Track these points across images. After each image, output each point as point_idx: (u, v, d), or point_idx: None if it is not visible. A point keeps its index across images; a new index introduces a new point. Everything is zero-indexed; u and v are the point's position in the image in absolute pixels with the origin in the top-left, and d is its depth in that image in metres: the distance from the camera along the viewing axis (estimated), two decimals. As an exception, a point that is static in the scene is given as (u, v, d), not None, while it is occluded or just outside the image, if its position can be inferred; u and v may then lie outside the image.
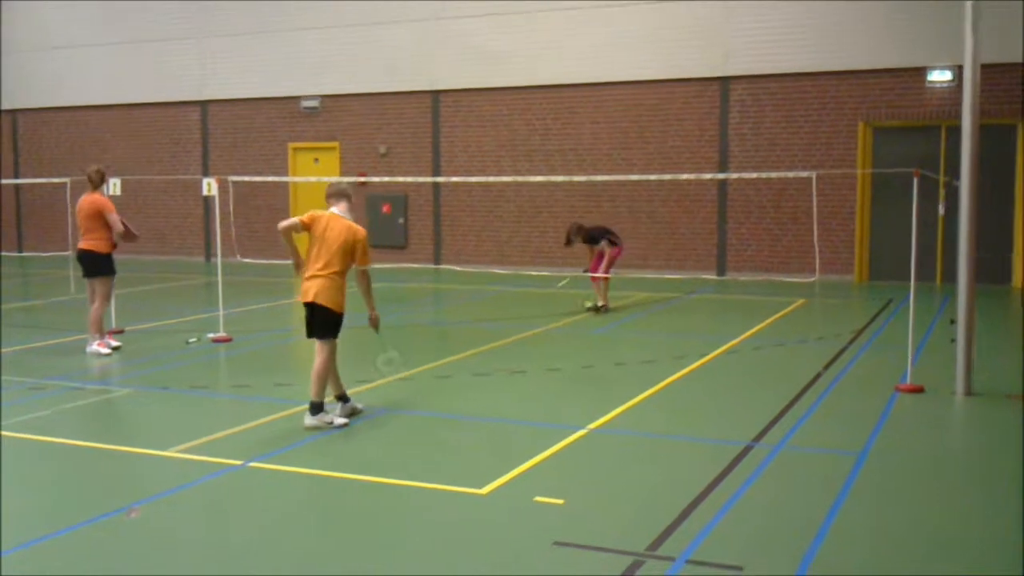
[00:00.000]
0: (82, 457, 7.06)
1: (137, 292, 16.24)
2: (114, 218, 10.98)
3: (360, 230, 7.74)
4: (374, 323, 8.04)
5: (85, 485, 6.51)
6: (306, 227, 7.73)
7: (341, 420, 7.67)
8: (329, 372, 7.72)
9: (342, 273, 7.69)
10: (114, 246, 11.10)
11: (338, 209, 7.81)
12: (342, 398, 7.93)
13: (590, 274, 14.20)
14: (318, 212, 7.83)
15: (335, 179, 8.25)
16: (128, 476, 6.67)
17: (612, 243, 14.04)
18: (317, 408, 7.61)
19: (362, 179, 18.75)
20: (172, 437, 7.35)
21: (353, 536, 5.60)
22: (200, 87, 22.61)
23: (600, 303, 13.92)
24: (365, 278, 7.82)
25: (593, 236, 14.13)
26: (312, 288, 7.63)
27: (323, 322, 7.69)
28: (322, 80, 21.32)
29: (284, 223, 7.83)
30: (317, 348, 7.69)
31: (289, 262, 8.13)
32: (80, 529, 5.55)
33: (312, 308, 7.68)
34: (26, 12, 24.25)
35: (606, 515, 5.77)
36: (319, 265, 7.64)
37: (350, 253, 7.68)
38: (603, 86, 19.10)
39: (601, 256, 13.98)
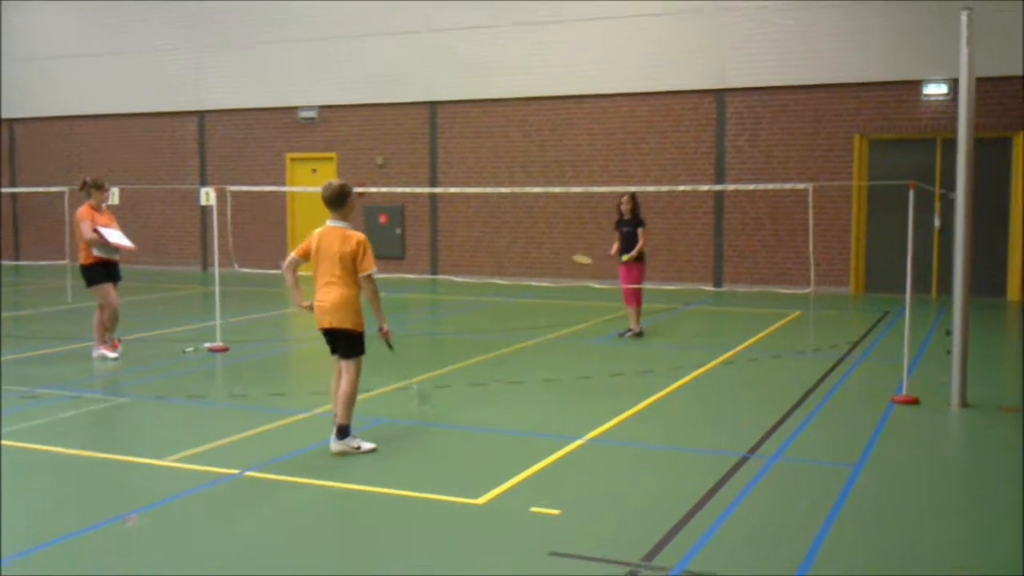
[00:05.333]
0: (78, 466, 7.07)
1: (134, 302, 16.23)
2: (83, 226, 10.71)
3: (354, 234, 7.13)
4: (385, 337, 7.38)
5: (81, 494, 6.50)
6: (305, 256, 7.29)
7: (368, 445, 7.27)
8: (357, 393, 7.31)
9: (348, 285, 7.15)
10: (93, 256, 10.81)
11: (331, 220, 7.26)
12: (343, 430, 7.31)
13: (629, 282, 12.47)
14: (313, 233, 7.32)
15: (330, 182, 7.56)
16: (124, 485, 6.66)
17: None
18: (344, 432, 7.17)
19: (360, 190, 18.76)
20: (168, 446, 7.35)
21: (349, 545, 5.60)
22: (197, 97, 22.65)
23: (636, 328, 12.59)
24: (369, 284, 7.16)
25: (640, 219, 12.72)
26: (325, 313, 7.18)
27: (347, 344, 7.26)
28: (320, 91, 21.36)
29: (285, 262, 7.38)
30: (343, 368, 7.24)
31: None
32: (77, 537, 5.55)
33: (331, 333, 7.29)
34: (23, 22, 24.30)
35: (602, 525, 5.77)
36: (321, 284, 7.20)
37: (349, 260, 7.12)
38: (600, 98, 19.16)
39: (636, 267, 12.46)
